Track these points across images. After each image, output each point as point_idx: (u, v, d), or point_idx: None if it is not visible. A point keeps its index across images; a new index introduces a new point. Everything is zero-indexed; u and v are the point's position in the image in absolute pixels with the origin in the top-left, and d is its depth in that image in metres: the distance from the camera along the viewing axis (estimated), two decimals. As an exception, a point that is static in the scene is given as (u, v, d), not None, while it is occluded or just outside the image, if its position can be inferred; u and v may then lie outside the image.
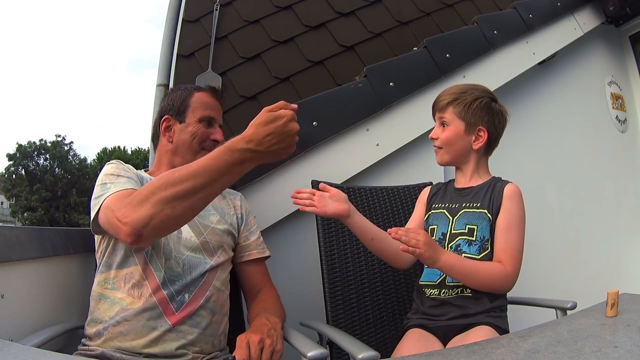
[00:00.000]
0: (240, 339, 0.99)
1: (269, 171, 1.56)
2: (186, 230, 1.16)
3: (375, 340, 1.44)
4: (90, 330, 1.07)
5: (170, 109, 1.29)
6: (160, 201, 0.90)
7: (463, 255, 1.21)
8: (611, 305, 0.91)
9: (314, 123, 1.63)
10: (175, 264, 1.11)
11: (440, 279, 1.24)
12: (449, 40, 1.99)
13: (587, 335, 0.81)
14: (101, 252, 1.13)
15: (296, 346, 0.99)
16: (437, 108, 1.34)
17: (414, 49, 2.00)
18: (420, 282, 1.30)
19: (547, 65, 2.39)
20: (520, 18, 2.24)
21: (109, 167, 1.14)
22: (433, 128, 1.35)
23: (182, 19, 1.95)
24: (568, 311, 1.19)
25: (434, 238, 1.26)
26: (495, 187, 1.27)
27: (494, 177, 1.32)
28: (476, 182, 1.31)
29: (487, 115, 1.29)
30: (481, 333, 1.12)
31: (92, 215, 1.05)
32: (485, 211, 1.23)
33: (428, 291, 1.26)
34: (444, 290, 1.23)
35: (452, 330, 1.19)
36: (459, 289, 1.21)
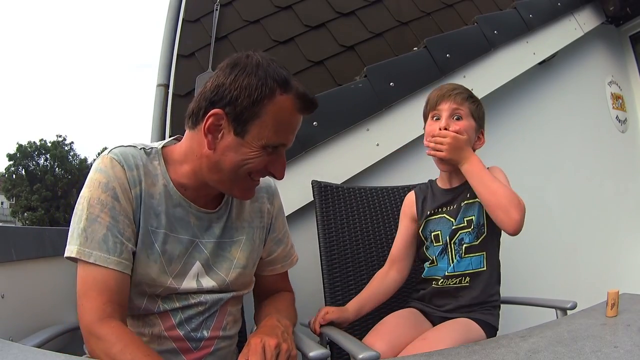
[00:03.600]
0: (255, 343, 0.85)
1: (269, 171, 1.56)
2: (205, 279, 0.97)
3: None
4: None
5: (230, 102, 0.86)
6: None
7: (464, 246, 1.25)
8: (611, 305, 0.91)
9: (314, 123, 1.63)
10: (195, 304, 0.97)
11: (446, 272, 1.27)
12: (449, 40, 1.99)
13: (587, 335, 0.81)
14: None
15: (297, 346, 0.99)
16: (450, 99, 1.28)
17: (414, 49, 2.00)
18: (425, 277, 1.32)
19: (547, 65, 2.39)
20: (520, 18, 2.23)
21: (96, 180, 0.87)
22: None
23: (182, 19, 1.95)
24: (568, 311, 1.19)
25: (440, 243, 1.29)
26: None
27: None
28: (463, 179, 1.30)
29: (485, 123, 1.35)
30: (458, 322, 1.20)
31: (67, 251, 0.87)
32: (479, 201, 1.25)
33: (437, 282, 1.29)
34: (442, 280, 1.27)
35: (443, 320, 1.24)
36: (458, 279, 1.25)
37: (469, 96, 1.31)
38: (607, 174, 2.64)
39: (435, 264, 1.29)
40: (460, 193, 1.30)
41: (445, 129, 1.26)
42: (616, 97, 2.82)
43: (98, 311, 0.82)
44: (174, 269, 0.93)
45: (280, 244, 1.13)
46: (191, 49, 1.89)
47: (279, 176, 0.95)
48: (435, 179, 1.40)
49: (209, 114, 0.87)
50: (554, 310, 1.23)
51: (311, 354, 0.89)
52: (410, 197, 1.42)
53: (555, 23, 2.41)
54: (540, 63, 2.31)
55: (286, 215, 1.54)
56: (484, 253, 1.25)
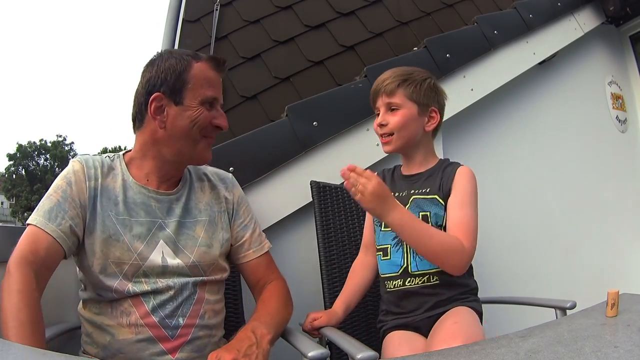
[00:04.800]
0: (210, 358, 0.88)
1: (269, 171, 1.56)
2: (171, 257, 1.03)
3: (375, 341, 1.43)
4: (91, 350, 1.01)
5: (163, 83, 1.02)
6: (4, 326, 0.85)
7: None
8: (611, 305, 0.91)
9: (314, 123, 1.63)
10: (165, 289, 1.01)
11: (402, 269, 1.19)
12: (449, 40, 1.99)
13: (587, 335, 0.81)
14: (77, 268, 1.06)
15: (297, 346, 0.99)
16: (382, 93, 1.23)
17: (414, 49, 2.00)
18: (381, 275, 1.25)
19: (547, 65, 2.39)
20: (520, 18, 2.23)
21: (60, 175, 1.04)
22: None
23: (182, 19, 1.95)
24: (568, 311, 1.19)
25: (388, 229, 1.20)
26: (445, 170, 1.23)
27: (442, 159, 1.28)
28: (425, 167, 1.26)
29: (437, 95, 1.27)
30: (460, 311, 1.13)
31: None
32: (436, 197, 1.19)
33: (390, 283, 1.21)
34: (408, 279, 1.18)
35: (431, 322, 1.15)
36: (425, 277, 1.17)
37: (402, 80, 1.22)
38: (607, 174, 2.64)
39: (389, 256, 1.20)
40: (414, 182, 1.24)
41: (382, 125, 1.23)
42: (616, 97, 2.82)
43: (20, 254, 0.91)
44: (137, 247, 1.01)
45: (248, 229, 1.19)
46: (191, 49, 1.88)
47: (224, 125, 1.07)
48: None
49: (149, 101, 1.02)
50: (553, 310, 1.23)
51: (310, 354, 0.89)
52: None
53: (555, 23, 2.41)
54: (540, 63, 2.31)
55: (285, 215, 1.56)
56: None
